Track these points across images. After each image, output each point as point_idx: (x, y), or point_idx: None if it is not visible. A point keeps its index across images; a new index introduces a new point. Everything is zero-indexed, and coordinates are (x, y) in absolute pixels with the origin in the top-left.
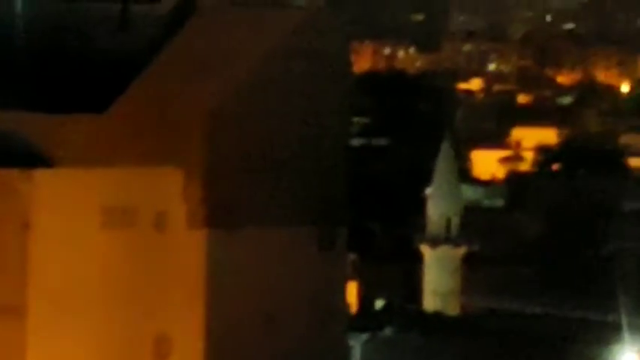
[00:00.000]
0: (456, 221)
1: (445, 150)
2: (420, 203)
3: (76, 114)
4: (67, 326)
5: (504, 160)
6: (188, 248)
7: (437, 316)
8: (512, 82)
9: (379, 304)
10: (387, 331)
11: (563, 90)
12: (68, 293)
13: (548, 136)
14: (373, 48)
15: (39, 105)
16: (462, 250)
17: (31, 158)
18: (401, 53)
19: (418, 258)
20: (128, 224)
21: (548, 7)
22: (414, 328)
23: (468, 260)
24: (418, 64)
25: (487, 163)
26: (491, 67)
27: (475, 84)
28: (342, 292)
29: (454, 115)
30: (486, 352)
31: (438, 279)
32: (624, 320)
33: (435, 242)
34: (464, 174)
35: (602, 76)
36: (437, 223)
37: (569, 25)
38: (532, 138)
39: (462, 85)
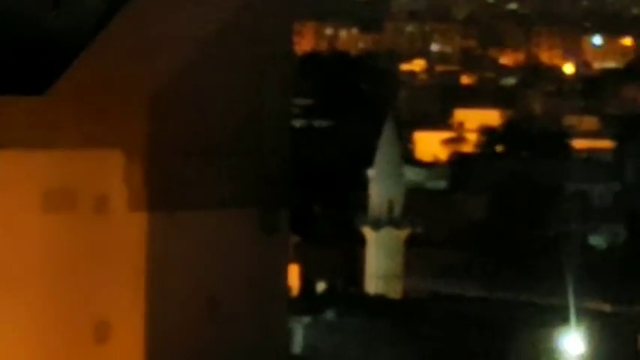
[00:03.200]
0: (398, 203)
1: (388, 131)
2: (363, 185)
3: (13, 96)
4: (4, 310)
5: (447, 142)
6: (129, 231)
7: (379, 300)
8: (456, 62)
9: (321, 287)
10: (329, 315)
11: (506, 71)
12: (6, 277)
13: (492, 117)
14: (315, 28)
15: None
16: (404, 233)
17: None
18: (343, 34)
19: (360, 240)
20: (68, 207)
21: None
22: (356, 312)
23: (410, 243)
24: (360, 44)
25: (430, 144)
26: (434, 47)
27: (418, 65)
28: (284, 275)
29: (397, 96)
30: (429, 336)
31: (381, 262)
32: (568, 302)
33: (377, 224)
34: (406, 155)
35: (546, 56)
36: (379, 205)
37: (513, 6)
38: (475, 119)
39: (405, 66)
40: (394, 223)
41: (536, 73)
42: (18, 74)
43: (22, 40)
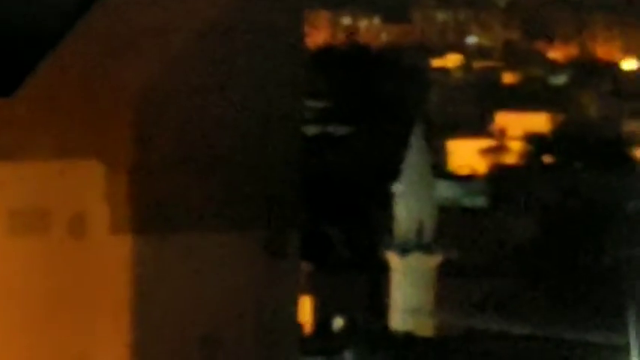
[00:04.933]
0: (429, 224)
1: (416, 139)
2: (387, 203)
3: None
4: None
5: (487, 152)
6: (111, 257)
7: (407, 338)
8: (497, 57)
9: (338, 323)
10: (348, 357)
11: (555, 68)
12: None
13: (539, 122)
14: (331, 18)
15: None
16: (436, 259)
17: None
18: (363, 24)
19: (384, 268)
20: (40, 229)
21: None
22: (379, 353)
23: (443, 271)
24: (384, 36)
25: (466, 154)
26: (471, 40)
27: (452, 60)
28: (294, 308)
29: (427, 97)
30: None
31: (408, 293)
32: (630, 341)
33: (404, 249)
34: (439, 168)
35: (603, 51)
36: (406, 226)
37: None
38: (520, 125)
39: (437, 62)
40: (424, 247)
41: (592, 71)
42: None
43: None
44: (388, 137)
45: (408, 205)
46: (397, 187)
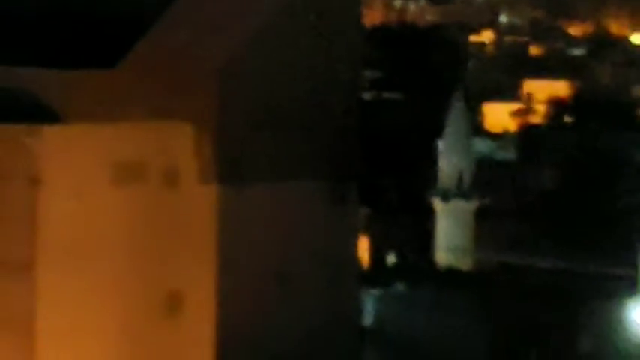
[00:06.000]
0: (467, 175)
1: (457, 103)
2: (432, 157)
3: (85, 70)
4: (77, 282)
5: (516, 113)
6: (199, 204)
7: (449, 271)
8: (524, 33)
9: (391, 259)
10: (400, 287)
11: (575, 42)
12: (78, 249)
13: (561, 88)
14: (384, 1)
15: (47, 61)
16: (473, 205)
17: (40, 114)
18: (412, 6)
19: (430, 212)
20: (138, 180)
21: None
22: (426, 284)
23: (480, 214)
24: (429, 16)
25: (499, 116)
26: (503, 18)
27: (486, 36)
28: (354, 247)
29: (466, 68)
30: (499, 308)
31: (450, 234)
32: (638, 273)
33: (446, 196)
34: (475, 127)
35: (615, 27)
36: (448, 177)
37: None
38: (544, 90)
39: (474, 38)
40: (463, 195)
41: (605, 44)
42: (88, 48)
43: (93, 13)
44: (433, 102)
45: (450, 158)
46: (441, 144)
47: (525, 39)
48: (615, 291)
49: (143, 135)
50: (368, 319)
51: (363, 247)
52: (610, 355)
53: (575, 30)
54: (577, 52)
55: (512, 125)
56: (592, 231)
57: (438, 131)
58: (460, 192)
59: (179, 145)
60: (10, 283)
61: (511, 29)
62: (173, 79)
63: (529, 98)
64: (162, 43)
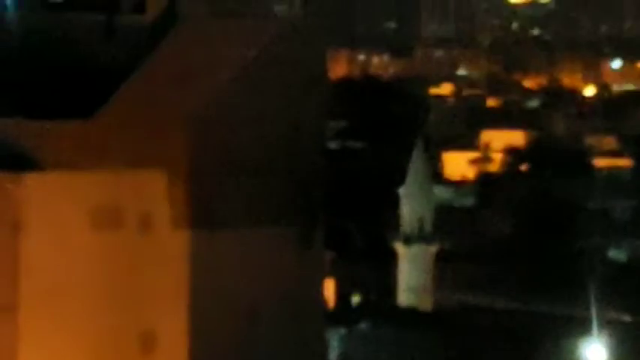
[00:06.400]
0: (428, 220)
1: (418, 152)
2: (395, 203)
3: (64, 120)
4: (57, 323)
5: (474, 162)
6: (172, 248)
7: (411, 312)
8: (482, 86)
9: (356, 299)
10: (363, 326)
11: (530, 94)
12: (58, 292)
13: (517, 138)
14: (348, 55)
15: (28, 112)
16: (434, 248)
17: (21, 162)
18: (375, 60)
19: (393, 255)
20: (115, 225)
21: (515, 14)
22: (389, 323)
23: (440, 257)
24: (391, 69)
25: (458, 164)
26: (461, 72)
27: (446, 89)
28: (320, 288)
29: (426, 118)
30: (459, 347)
31: (412, 275)
32: (591, 314)
33: (408, 240)
34: (436, 175)
35: (568, 80)
36: (410, 221)
37: (536, 32)
38: (501, 140)
39: (434, 90)
40: (424, 238)
41: (559, 96)
42: (66, 100)
43: (71, 67)
44: (395, 150)
45: (411, 204)
46: (402, 191)
47: (483, 92)
48: (569, 331)
49: (119, 181)
50: (333, 357)
51: (329, 289)
52: None
53: (530, 83)
54: (532, 103)
55: (470, 173)
56: (547, 273)
57: (400, 178)
58: (421, 236)
59: (153, 190)
60: None
61: (469, 82)
62: (147, 128)
63: (486, 147)
64: (136, 95)
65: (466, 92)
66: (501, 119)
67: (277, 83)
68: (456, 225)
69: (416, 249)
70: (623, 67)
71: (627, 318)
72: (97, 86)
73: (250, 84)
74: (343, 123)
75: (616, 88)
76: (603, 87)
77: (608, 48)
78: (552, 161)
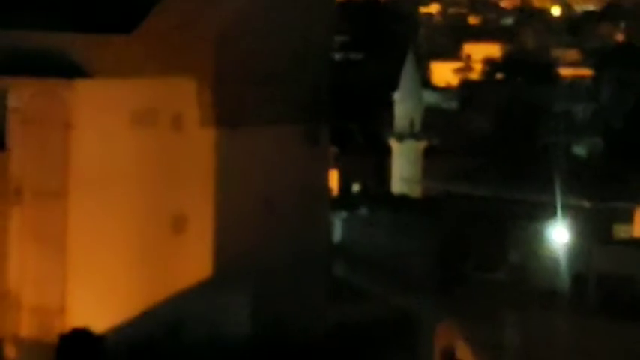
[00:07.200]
0: (418, 120)
1: (409, 62)
2: (389, 106)
3: (109, 34)
4: (101, 207)
5: (458, 71)
6: (200, 143)
7: (403, 198)
8: (464, 6)
9: (356, 188)
10: (363, 211)
11: (505, 13)
12: (103, 179)
13: (494, 50)
14: None
15: (78, 26)
16: (423, 144)
17: (72, 71)
18: None
19: (388, 151)
20: (151, 124)
21: None
22: (384, 208)
23: (428, 152)
24: None
25: (444, 73)
26: None
27: (434, 8)
28: (326, 179)
29: (417, 33)
30: (443, 228)
31: (404, 168)
32: (556, 200)
33: (401, 137)
34: (425, 82)
35: (537, 1)
36: (403, 121)
37: None
38: (480, 52)
39: (423, 9)
40: (415, 136)
41: (530, 14)
42: (111, 17)
43: None
44: (390, 61)
45: (404, 107)
46: (396, 95)
47: (465, 11)
48: (537, 215)
49: (155, 87)
50: (337, 236)
51: (334, 179)
52: (533, 263)
53: (505, 3)
54: (507, 21)
55: (454, 80)
56: (519, 165)
57: (394, 85)
58: (412, 134)
59: (184, 96)
60: (47, 208)
61: (453, 2)
62: (179, 42)
63: (468, 58)
64: (169, 14)
65: (451, 11)
66: (481, 34)
67: (290, 3)
68: (441, 124)
69: (407, 145)
70: None
71: (586, 204)
72: (137, 4)
73: (267, 4)
74: (346, 38)
75: (578, 8)
76: (568, 7)
77: None
78: (524, 70)
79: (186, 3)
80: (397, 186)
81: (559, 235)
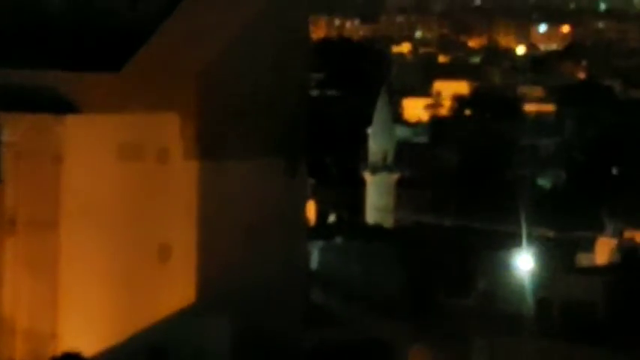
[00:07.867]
0: (390, 153)
1: (382, 98)
2: (364, 140)
3: (97, 72)
4: (90, 236)
5: (428, 107)
6: (184, 176)
7: (376, 228)
8: (434, 46)
9: (332, 218)
10: (338, 240)
11: (473, 52)
12: (92, 211)
13: (462, 87)
14: (326, 21)
15: (68, 65)
16: (395, 176)
17: (62, 106)
18: (348, 24)
19: (362, 183)
20: (138, 157)
21: None
22: (358, 237)
23: (399, 184)
24: (361, 32)
25: (415, 109)
26: (418, 34)
27: (405, 47)
28: (303, 209)
29: (389, 71)
30: (414, 257)
31: (377, 199)
32: (521, 229)
33: (374, 170)
34: (397, 117)
35: (504, 41)
36: (376, 155)
37: (478, 2)
38: (449, 89)
39: (395, 49)
40: (387, 168)
41: (496, 54)
42: (99, 55)
43: (103, 28)
44: (364, 97)
45: (377, 141)
46: (370, 130)
47: (435, 50)
48: (504, 244)
49: (141, 122)
50: (314, 264)
51: (311, 209)
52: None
53: (473, 43)
54: (475, 59)
55: (425, 116)
56: (486, 197)
57: (367, 120)
58: (385, 166)
59: (169, 130)
60: (40, 237)
61: (424, 42)
62: (165, 80)
63: (438, 95)
64: (155, 53)
65: (421, 50)
66: (450, 72)
67: (269, 43)
68: (413, 158)
69: (380, 177)
70: (548, 31)
71: (550, 234)
72: (124, 44)
73: (247, 43)
74: (322, 75)
75: (542, 47)
76: (532, 46)
77: (537, 15)
78: (491, 106)
79: (170, 43)
80: (371, 216)
81: (525, 263)
